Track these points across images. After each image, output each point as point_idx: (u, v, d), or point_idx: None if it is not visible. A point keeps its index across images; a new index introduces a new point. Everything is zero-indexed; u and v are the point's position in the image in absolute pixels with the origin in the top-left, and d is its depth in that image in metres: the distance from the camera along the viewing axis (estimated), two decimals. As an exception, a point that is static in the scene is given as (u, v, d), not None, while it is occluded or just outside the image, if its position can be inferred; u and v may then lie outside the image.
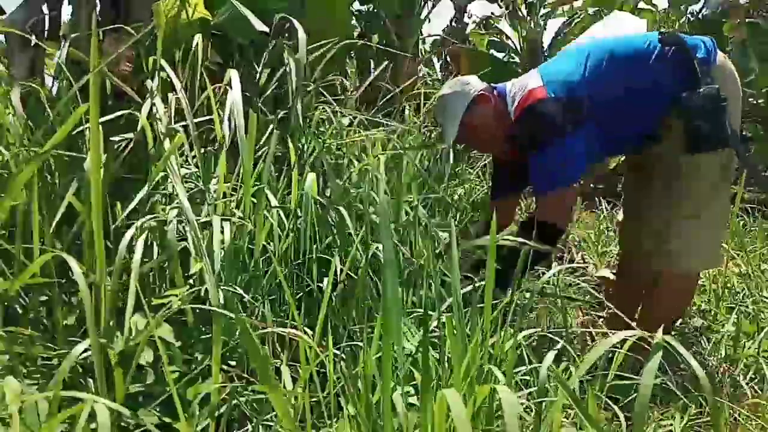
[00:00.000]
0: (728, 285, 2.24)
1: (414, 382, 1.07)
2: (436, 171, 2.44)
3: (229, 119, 1.32)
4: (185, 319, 1.16)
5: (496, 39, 5.18)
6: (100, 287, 1.00)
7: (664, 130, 1.66)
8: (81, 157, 1.28)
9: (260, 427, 1.04)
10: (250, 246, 1.34)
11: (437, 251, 1.64)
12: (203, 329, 1.20)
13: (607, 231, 2.99)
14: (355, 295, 1.34)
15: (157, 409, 1.03)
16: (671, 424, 1.28)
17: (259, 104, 1.79)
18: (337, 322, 1.31)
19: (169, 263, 1.20)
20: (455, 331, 0.96)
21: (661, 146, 1.68)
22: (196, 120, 1.38)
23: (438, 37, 5.27)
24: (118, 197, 1.32)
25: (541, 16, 5.08)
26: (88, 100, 0.98)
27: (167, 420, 1.01)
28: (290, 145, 1.54)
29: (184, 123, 1.36)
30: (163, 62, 1.44)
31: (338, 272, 1.29)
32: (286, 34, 1.99)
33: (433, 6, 4.20)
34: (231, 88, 1.33)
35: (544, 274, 1.38)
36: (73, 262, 0.96)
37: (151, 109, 1.36)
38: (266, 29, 1.63)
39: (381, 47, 3.45)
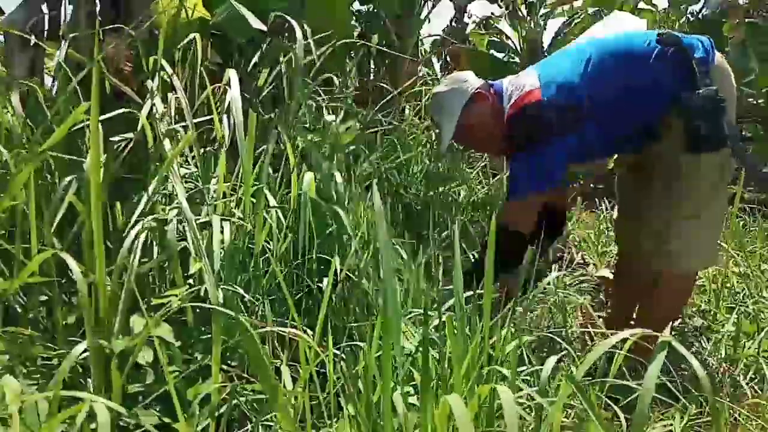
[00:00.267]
0: (728, 285, 2.24)
1: (414, 382, 1.07)
2: (436, 170, 2.44)
3: (229, 119, 1.32)
4: (185, 319, 1.16)
5: (496, 39, 5.18)
6: (100, 287, 1.00)
7: (664, 130, 1.65)
8: (81, 156, 1.28)
9: (260, 427, 1.04)
10: (249, 246, 1.34)
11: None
12: (203, 329, 1.20)
13: (607, 231, 2.99)
14: (355, 295, 1.34)
15: (157, 409, 1.03)
16: (671, 424, 1.28)
17: (258, 103, 1.79)
18: (338, 322, 1.31)
19: (169, 263, 1.20)
20: (455, 331, 0.96)
21: (661, 146, 1.67)
22: (196, 120, 1.38)
23: (438, 37, 5.26)
24: (118, 197, 1.31)
25: (541, 16, 5.07)
26: (88, 99, 0.98)
27: (167, 420, 1.01)
28: (288, 144, 1.54)
29: (183, 123, 1.36)
30: (162, 62, 1.44)
31: (338, 272, 1.29)
32: (286, 34, 1.99)
33: (433, 6, 4.19)
34: (230, 87, 1.33)
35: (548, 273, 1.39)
36: (71, 262, 0.96)
37: (151, 109, 1.36)
38: (264, 28, 1.63)
39: (379, 48, 3.45)
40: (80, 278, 0.96)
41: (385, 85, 2.75)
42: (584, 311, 2.10)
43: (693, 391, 1.38)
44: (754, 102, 4.41)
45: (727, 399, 1.45)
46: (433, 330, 1.07)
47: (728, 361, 1.74)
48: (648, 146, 1.70)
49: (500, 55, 4.95)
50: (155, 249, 1.29)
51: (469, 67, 3.64)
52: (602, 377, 1.07)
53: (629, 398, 1.11)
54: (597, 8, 4.90)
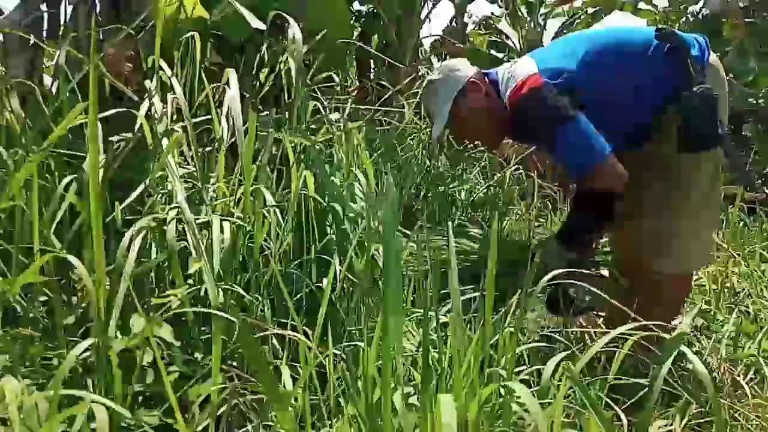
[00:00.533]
0: (728, 285, 2.23)
1: (414, 382, 1.06)
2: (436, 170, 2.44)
3: (228, 119, 1.32)
4: (185, 319, 1.16)
5: (496, 39, 5.18)
6: (99, 287, 1.00)
7: (660, 130, 1.65)
8: (81, 156, 1.28)
9: (260, 427, 1.04)
10: (249, 245, 1.34)
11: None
12: (203, 329, 1.20)
13: (606, 231, 2.98)
14: (354, 295, 1.33)
15: (157, 409, 1.03)
16: (671, 424, 1.28)
17: (258, 103, 1.79)
18: (337, 323, 1.31)
19: (169, 263, 1.20)
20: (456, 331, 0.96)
21: (659, 146, 1.67)
22: (195, 120, 1.38)
23: (438, 37, 5.27)
24: (117, 197, 1.31)
25: (541, 16, 5.08)
26: (87, 99, 0.98)
27: (167, 420, 1.01)
28: (288, 144, 1.54)
29: (182, 123, 1.36)
30: (162, 62, 1.44)
31: (337, 273, 1.29)
32: (286, 34, 1.99)
33: (433, 6, 4.20)
34: (229, 87, 1.33)
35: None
36: (76, 262, 0.96)
37: (150, 108, 1.36)
38: (263, 26, 1.63)
39: (376, 53, 3.46)
40: (86, 276, 0.96)
41: (385, 85, 2.75)
42: (584, 311, 2.10)
43: (693, 390, 1.38)
44: (755, 102, 4.41)
45: (727, 399, 1.44)
46: (433, 330, 1.07)
47: (728, 361, 1.74)
48: (643, 145, 1.70)
49: (500, 55, 4.95)
50: (154, 249, 1.29)
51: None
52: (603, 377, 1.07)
53: (632, 399, 1.11)
54: (597, 8, 4.90)
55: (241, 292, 1.20)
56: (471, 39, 5.37)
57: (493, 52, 4.96)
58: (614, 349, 0.98)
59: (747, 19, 4.45)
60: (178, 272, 1.16)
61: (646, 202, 1.73)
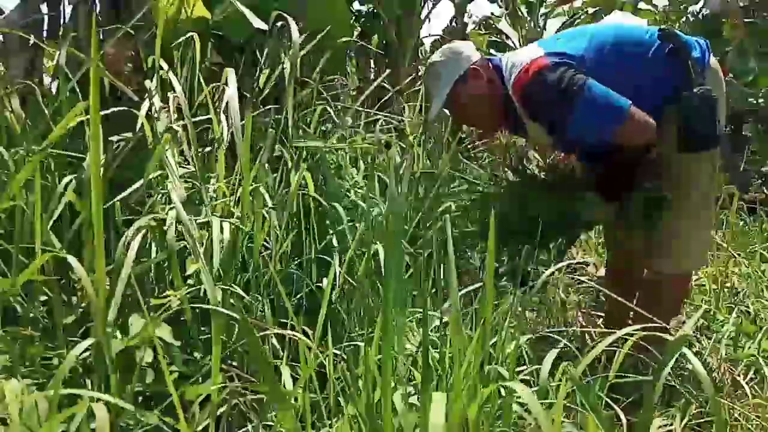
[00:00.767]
0: (728, 285, 2.24)
1: (414, 382, 1.06)
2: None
3: (227, 119, 1.32)
4: (185, 319, 1.16)
5: (496, 39, 5.18)
6: (99, 287, 1.00)
7: (660, 130, 1.65)
8: (80, 156, 1.28)
9: (260, 427, 1.04)
10: (249, 245, 1.34)
11: None
12: (203, 329, 1.20)
13: (607, 231, 2.98)
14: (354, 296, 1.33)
15: (157, 409, 1.03)
16: (671, 424, 1.28)
17: (259, 103, 1.79)
18: (337, 323, 1.31)
19: (168, 263, 1.20)
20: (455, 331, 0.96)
21: (659, 146, 1.67)
22: (195, 120, 1.38)
23: (438, 37, 5.26)
24: (117, 197, 1.31)
25: (541, 16, 5.08)
26: (87, 99, 0.98)
27: (167, 420, 1.01)
28: (286, 144, 1.54)
29: (183, 122, 1.36)
30: (162, 62, 1.44)
31: (337, 273, 1.29)
32: (286, 34, 1.99)
33: (433, 6, 4.20)
34: (228, 87, 1.33)
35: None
36: (75, 263, 0.96)
37: (150, 108, 1.36)
38: (264, 27, 1.62)
39: (376, 51, 3.45)
40: (84, 277, 0.96)
41: (385, 85, 2.74)
42: (584, 311, 2.11)
43: (693, 391, 1.38)
44: (755, 102, 4.41)
45: (727, 399, 1.44)
46: (433, 330, 1.07)
47: (728, 361, 1.74)
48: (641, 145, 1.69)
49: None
50: (154, 249, 1.29)
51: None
52: (603, 377, 1.07)
53: (631, 398, 1.11)
54: (597, 8, 4.90)
55: (241, 292, 1.20)
56: (471, 39, 5.37)
57: (493, 52, 4.96)
58: (614, 348, 0.97)
59: (747, 19, 4.45)
60: (177, 272, 1.16)
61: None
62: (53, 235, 1.17)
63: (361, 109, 2.24)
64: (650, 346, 1.13)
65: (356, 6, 3.93)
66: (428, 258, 1.55)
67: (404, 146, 2.35)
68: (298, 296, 1.37)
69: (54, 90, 1.67)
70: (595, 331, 1.71)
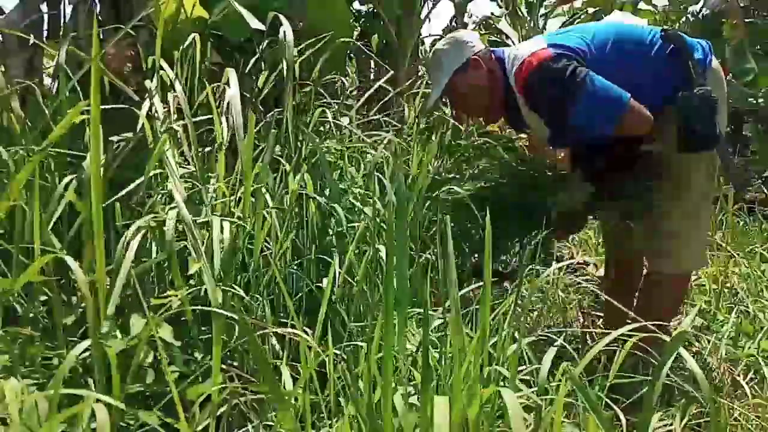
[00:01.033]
0: (728, 285, 2.24)
1: (414, 382, 1.06)
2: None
3: (228, 119, 1.32)
4: (186, 319, 1.16)
5: (496, 39, 5.18)
6: (100, 287, 1.00)
7: (660, 130, 1.65)
8: (81, 155, 1.28)
9: (260, 427, 1.04)
10: (249, 245, 1.34)
11: None
12: (203, 329, 1.20)
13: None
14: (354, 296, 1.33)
15: (157, 409, 1.03)
16: (671, 424, 1.28)
17: (259, 104, 1.79)
18: (337, 323, 1.31)
19: (169, 263, 1.20)
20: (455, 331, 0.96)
21: (657, 143, 1.67)
22: (195, 120, 1.37)
23: (438, 37, 5.26)
24: (117, 197, 1.31)
25: (541, 16, 5.08)
26: (87, 98, 0.98)
27: (168, 420, 1.01)
28: (286, 144, 1.54)
29: (183, 122, 1.36)
30: (162, 62, 1.44)
31: (337, 274, 1.29)
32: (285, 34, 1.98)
33: (433, 6, 4.19)
34: (229, 87, 1.33)
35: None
36: (72, 263, 0.96)
37: (150, 108, 1.36)
38: (262, 27, 1.62)
39: (374, 55, 3.45)
40: (81, 278, 0.96)
41: (385, 86, 2.74)
42: (584, 311, 2.11)
43: (693, 391, 1.38)
44: (755, 102, 4.41)
45: (727, 399, 1.44)
46: (434, 330, 1.07)
47: (728, 361, 1.74)
48: (641, 145, 1.69)
49: (500, 55, 4.94)
50: (154, 249, 1.29)
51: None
52: (603, 377, 1.07)
53: (631, 398, 1.11)
54: (597, 8, 4.90)
55: (241, 293, 1.20)
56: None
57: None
58: (614, 348, 0.98)
59: (747, 19, 4.45)
60: (177, 272, 1.16)
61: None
62: (53, 235, 1.17)
63: (359, 111, 2.24)
64: (650, 346, 1.13)
65: (356, 6, 3.93)
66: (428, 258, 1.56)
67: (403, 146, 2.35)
68: (298, 296, 1.37)
69: (54, 90, 1.66)
70: (595, 331, 1.72)
